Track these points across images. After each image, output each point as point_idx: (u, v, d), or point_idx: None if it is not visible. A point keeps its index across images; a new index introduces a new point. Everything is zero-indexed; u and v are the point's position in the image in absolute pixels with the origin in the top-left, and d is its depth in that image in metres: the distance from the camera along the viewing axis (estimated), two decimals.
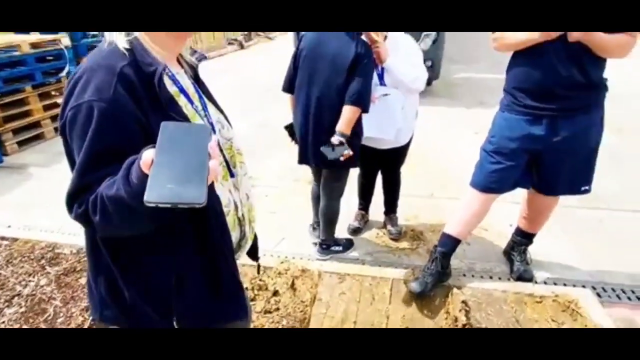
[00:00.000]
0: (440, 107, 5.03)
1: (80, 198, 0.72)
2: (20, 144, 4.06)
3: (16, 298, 2.09)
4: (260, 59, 9.09)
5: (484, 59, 8.16)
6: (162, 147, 0.61)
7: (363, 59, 1.80)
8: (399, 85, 2.05)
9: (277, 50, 10.17)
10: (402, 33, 2.19)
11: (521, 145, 1.76)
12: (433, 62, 4.98)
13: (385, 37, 2.02)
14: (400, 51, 2.04)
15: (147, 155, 0.60)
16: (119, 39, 0.78)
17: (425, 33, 4.86)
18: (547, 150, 1.76)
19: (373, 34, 1.94)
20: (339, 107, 1.87)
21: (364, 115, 1.96)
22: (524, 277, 2.08)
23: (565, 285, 2.10)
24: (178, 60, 0.93)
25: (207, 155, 0.62)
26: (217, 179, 0.92)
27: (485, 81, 6.37)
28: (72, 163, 0.80)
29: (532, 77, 1.67)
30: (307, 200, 2.43)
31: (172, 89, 0.84)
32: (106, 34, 0.80)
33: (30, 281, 2.18)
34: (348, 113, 1.85)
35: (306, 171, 3.04)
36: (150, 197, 0.56)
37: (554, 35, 1.51)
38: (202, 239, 0.87)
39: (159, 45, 0.81)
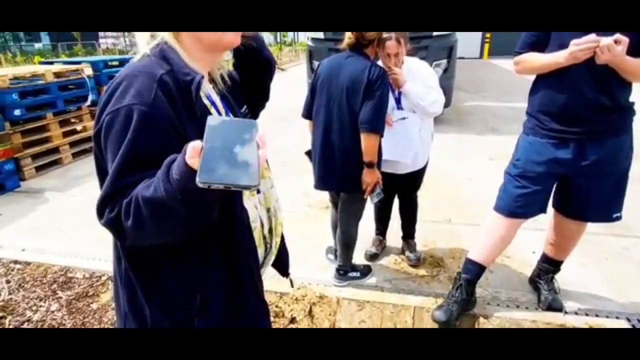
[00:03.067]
0: (453, 134, 5.05)
1: (112, 202, 0.70)
2: (38, 169, 4.13)
3: (26, 324, 2.04)
4: (272, 88, 9.30)
5: (491, 88, 8.28)
6: (210, 137, 0.60)
7: (377, 83, 1.80)
8: (417, 109, 2.05)
9: (288, 79, 10.45)
10: (417, 59, 2.22)
11: (548, 169, 1.71)
12: (444, 90, 5.02)
13: (402, 63, 2.04)
14: (417, 77, 2.05)
15: (195, 144, 0.58)
16: (147, 48, 0.78)
17: (435, 62, 4.94)
18: (575, 175, 1.71)
19: (390, 62, 1.97)
20: (355, 133, 1.87)
21: (382, 140, 1.95)
22: (553, 306, 1.97)
23: (597, 316, 1.98)
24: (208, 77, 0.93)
25: (256, 144, 0.61)
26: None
27: (494, 109, 6.43)
28: (101, 173, 0.78)
29: (557, 101, 1.65)
30: (322, 226, 2.38)
31: (205, 101, 0.85)
32: (139, 48, 0.81)
33: (41, 306, 2.14)
34: (366, 142, 1.85)
35: (320, 197, 3.02)
36: (204, 177, 0.55)
37: (580, 58, 1.49)
38: (230, 255, 0.85)
39: (193, 60, 0.82)
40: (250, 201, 0.93)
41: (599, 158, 1.65)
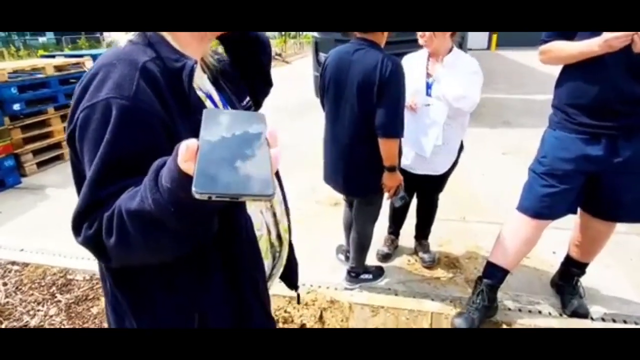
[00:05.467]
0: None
1: (91, 217, 0.58)
2: (40, 164, 4.04)
3: None
4: (277, 81, 9.18)
5: (501, 80, 8.08)
6: (208, 134, 0.47)
7: (390, 80, 1.64)
8: (443, 101, 1.92)
9: (294, 73, 10.29)
10: (469, 55, 2.06)
11: (577, 166, 1.58)
12: None
13: (451, 49, 1.91)
14: (458, 69, 1.89)
15: (190, 143, 0.45)
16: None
17: None
18: (606, 173, 1.58)
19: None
20: (371, 136, 1.72)
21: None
22: (579, 312, 1.86)
23: (625, 322, 1.87)
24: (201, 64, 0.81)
25: (267, 142, 0.49)
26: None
27: (507, 101, 6.26)
28: (78, 179, 0.66)
29: (589, 93, 1.52)
30: (331, 223, 2.27)
31: (199, 93, 0.73)
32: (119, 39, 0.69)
33: (38, 310, 2.05)
34: (385, 147, 1.71)
35: (328, 192, 2.91)
36: (202, 187, 0.42)
37: (616, 47, 1.36)
38: (232, 270, 0.74)
39: (182, 47, 0.70)
40: (254, 206, 0.81)
41: (633, 154, 1.52)
